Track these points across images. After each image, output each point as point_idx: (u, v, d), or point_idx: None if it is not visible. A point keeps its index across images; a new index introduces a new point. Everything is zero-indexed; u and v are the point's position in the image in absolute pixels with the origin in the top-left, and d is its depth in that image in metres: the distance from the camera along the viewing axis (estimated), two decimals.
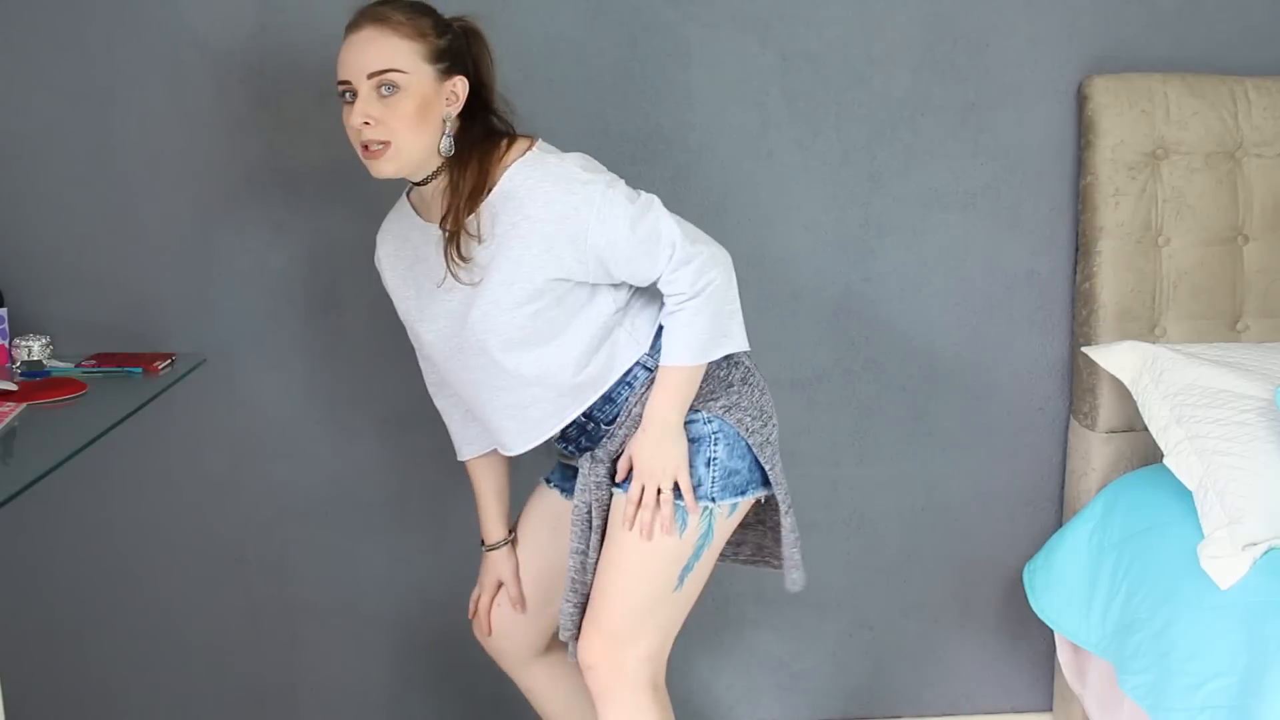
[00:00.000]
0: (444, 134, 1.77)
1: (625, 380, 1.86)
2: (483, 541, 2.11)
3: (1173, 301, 2.39)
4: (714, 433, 1.85)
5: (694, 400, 1.85)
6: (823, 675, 2.62)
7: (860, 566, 2.58)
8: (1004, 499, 2.57)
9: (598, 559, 1.90)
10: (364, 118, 1.72)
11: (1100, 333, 2.39)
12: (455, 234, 1.76)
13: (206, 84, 2.26)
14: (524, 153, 1.79)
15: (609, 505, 1.91)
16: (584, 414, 1.87)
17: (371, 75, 1.72)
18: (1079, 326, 2.46)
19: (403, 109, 1.72)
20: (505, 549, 2.09)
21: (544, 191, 1.75)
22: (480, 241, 1.77)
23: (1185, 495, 2.12)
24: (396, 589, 2.50)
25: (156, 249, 2.31)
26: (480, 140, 1.80)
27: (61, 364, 2.17)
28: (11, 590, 2.42)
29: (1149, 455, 2.40)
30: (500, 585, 2.09)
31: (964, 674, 2.65)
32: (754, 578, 2.18)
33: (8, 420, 1.85)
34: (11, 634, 2.43)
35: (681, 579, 1.87)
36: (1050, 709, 2.66)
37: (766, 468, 1.88)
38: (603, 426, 1.88)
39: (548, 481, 2.09)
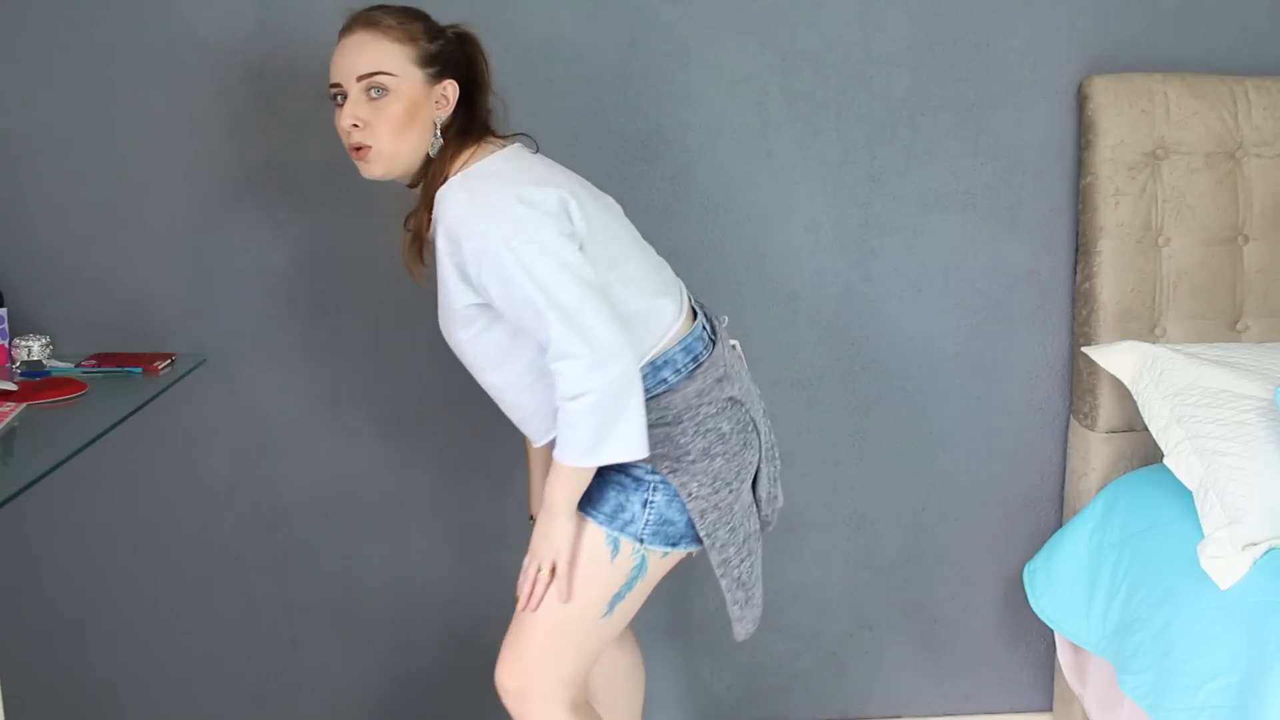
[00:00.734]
0: (435, 137, 1.77)
1: None
2: (531, 516, 2.13)
3: (1173, 301, 2.39)
4: (657, 482, 1.78)
5: (646, 460, 1.76)
6: (823, 675, 2.63)
7: (860, 566, 2.58)
8: (1004, 499, 2.57)
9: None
10: (352, 119, 1.73)
11: (1100, 333, 2.39)
12: (416, 234, 1.78)
13: (206, 84, 2.26)
14: (481, 159, 1.76)
15: None
16: None
17: (361, 78, 1.72)
18: (1079, 326, 2.46)
19: (390, 111, 1.73)
20: None
21: (456, 212, 1.70)
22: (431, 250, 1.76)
23: (1185, 495, 2.12)
24: (396, 589, 2.50)
25: (156, 249, 2.31)
26: (450, 142, 1.78)
27: (61, 364, 2.17)
28: (12, 590, 2.42)
29: (1149, 455, 2.40)
30: None
31: (964, 674, 2.65)
32: None
33: (8, 420, 1.85)
34: (11, 634, 2.43)
35: (612, 606, 1.83)
36: (1050, 709, 2.66)
37: (702, 534, 1.80)
38: None
39: None
